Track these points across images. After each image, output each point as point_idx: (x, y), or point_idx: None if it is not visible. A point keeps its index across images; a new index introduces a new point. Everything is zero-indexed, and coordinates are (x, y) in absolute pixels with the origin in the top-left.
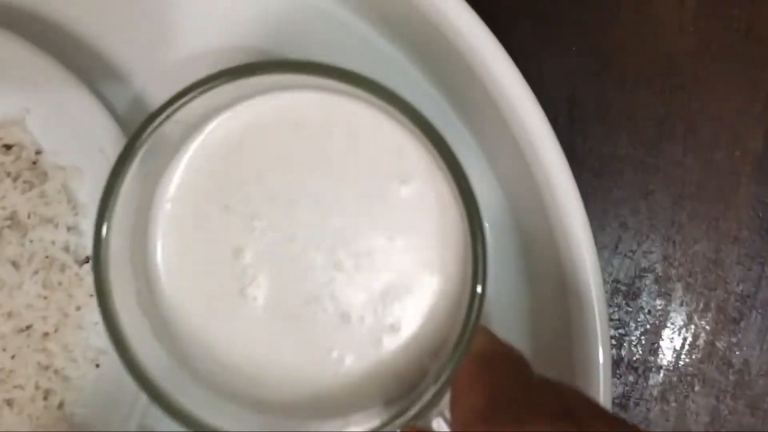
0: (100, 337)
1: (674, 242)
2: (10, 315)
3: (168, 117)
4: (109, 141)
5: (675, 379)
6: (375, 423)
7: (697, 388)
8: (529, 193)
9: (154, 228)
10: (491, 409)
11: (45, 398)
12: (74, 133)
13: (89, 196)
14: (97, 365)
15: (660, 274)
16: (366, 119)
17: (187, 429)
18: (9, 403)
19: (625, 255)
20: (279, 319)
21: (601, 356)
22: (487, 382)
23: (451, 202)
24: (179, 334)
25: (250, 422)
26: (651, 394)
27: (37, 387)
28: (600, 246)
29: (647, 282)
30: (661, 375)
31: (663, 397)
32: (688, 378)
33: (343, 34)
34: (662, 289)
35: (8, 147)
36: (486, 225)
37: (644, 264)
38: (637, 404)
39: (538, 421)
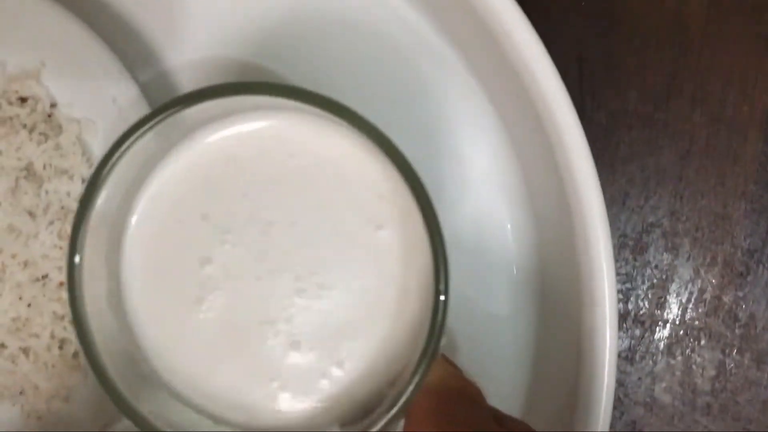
0: None
1: (681, 197)
2: (26, 264)
3: (156, 124)
4: (120, 91)
5: (681, 333)
6: None
7: (703, 342)
8: (542, 152)
9: (129, 228)
10: None
11: (60, 347)
12: (88, 86)
13: (103, 148)
14: None
15: (667, 228)
16: (355, 161)
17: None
18: (25, 351)
19: (633, 210)
20: (228, 335)
21: (608, 314)
22: (439, 417)
23: (420, 247)
24: (138, 335)
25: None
26: (657, 348)
27: (52, 336)
28: (607, 201)
29: (654, 237)
30: (668, 329)
31: (669, 351)
32: (694, 332)
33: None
34: (669, 244)
35: (24, 100)
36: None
37: (651, 219)
38: (643, 358)
39: None
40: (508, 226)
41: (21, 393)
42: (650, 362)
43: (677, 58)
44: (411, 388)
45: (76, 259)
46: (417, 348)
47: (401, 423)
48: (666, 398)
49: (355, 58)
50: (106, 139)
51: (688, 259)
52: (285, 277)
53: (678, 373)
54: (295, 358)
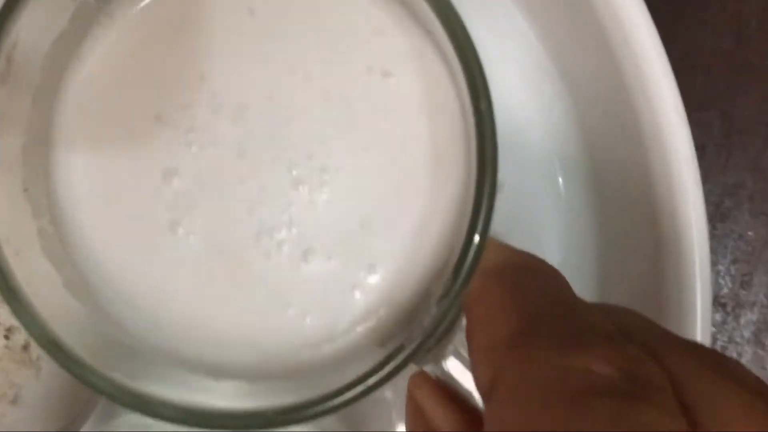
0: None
1: None
2: None
3: None
4: None
5: None
6: (370, 363)
7: None
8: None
9: (59, 139)
10: (527, 334)
11: (6, 337)
12: None
13: None
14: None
15: (754, 191)
16: None
17: (125, 407)
18: None
19: (711, 168)
20: (218, 261)
21: (699, 297)
22: (516, 301)
23: (448, 93)
24: (95, 283)
25: (208, 391)
26: (743, 336)
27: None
28: None
29: (739, 200)
30: (755, 312)
31: (757, 339)
32: None
33: None
34: (757, 209)
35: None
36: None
37: (734, 179)
38: (725, 348)
39: (594, 344)
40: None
41: None
42: (735, 353)
43: None
44: (464, 272)
45: None
46: (463, 225)
47: (463, 322)
48: None
49: None
50: None
51: None
52: (275, 169)
53: None
54: (311, 270)
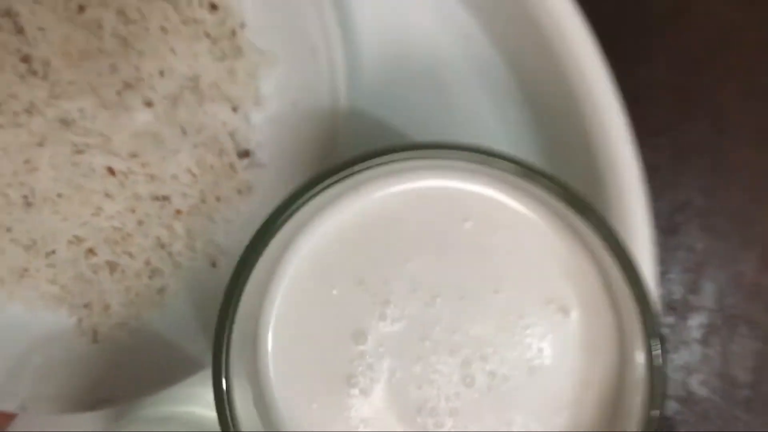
0: (227, 237)
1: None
2: (152, 178)
3: (311, 196)
4: (326, 42)
5: (718, 321)
6: None
7: (741, 330)
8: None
9: (275, 290)
10: None
11: (150, 277)
12: (287, 20)
13: (274, 89)
14: (214, 264)
15: (701, 207)
16: (539, 230)
17: None
18: (112, 266)
19: (663, 187)
20: (380, 425)
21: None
22: None
23: (611, 338)
24: (281, 415)
25: None
26: (692, 337)
27: (147, 263)
28: None
29: (688, 216)
30: (703, 316)
31: (705, 341)
32: (732, 320)
33: None
34: (704, 224)
35: (214, 7)
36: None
37: (683, 197)
38: (676, 348)
39: None
40: None
41: (86, 306)
42: (685, 353)
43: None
44: None
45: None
46: None
47: None
48: (702, 392)
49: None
50: (279, 88)
51: (724, 240)
52: (450, 361)
53: (715, 364)
54: None
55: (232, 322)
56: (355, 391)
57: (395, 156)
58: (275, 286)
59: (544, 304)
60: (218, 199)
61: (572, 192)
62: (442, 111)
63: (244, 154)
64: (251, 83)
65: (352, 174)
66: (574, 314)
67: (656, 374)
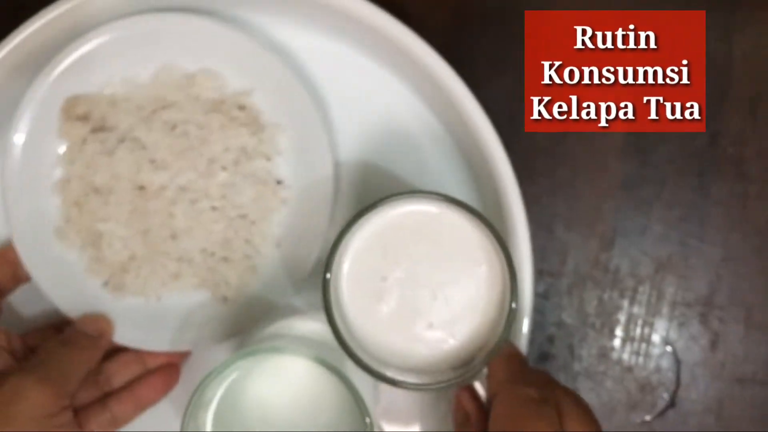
0: (279, 229)
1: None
2: (234, 206)
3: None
4: (303, 117)
5: (576, 280)
6: (444, 377)
7: (589, 285)
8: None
9: (348, 255)
10: (511, 380)
11: (247, 261)
12: (286, 105)
13: (288, 145)
14: (278, 245)
15: (564, 214)
16: (467, 230)
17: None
18: (225, 259)
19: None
20: (396, 319)
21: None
22: (508, 367)
23: (500, 280)
24: (348, 321)
25: (394, 372)
26: (562, 290)
27: (243, 254)
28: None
29: (555, 221)
30: (569, 277)
31: (569, 291)
32: (584, 279)
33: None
34: (566, 223)
35: (242, 108)
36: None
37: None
38: (554, 296)
39: (534, 385)
40: None
41: (215, 285)
42: (557, 298)
43: None
44: (492, 348)
45: (327, 275)
46: (497, 332)
47: (485, 370)
48: (569, 320)
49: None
50: (290, 138)
51: (577, 234)
52: (425, 292)
53: (575, 304)
54: (431, 333)
55: (332, 261)
56: (382, 303)
57: (398, 197)
58: (349, 249)
59: (470, 264)
60: (268, 210)
61: (478, 212)
62: (411, 168)
63: (278, 182)
64: (272, 143)
65: (377, 205)
66: (483, 268)
67: (515, 292)
